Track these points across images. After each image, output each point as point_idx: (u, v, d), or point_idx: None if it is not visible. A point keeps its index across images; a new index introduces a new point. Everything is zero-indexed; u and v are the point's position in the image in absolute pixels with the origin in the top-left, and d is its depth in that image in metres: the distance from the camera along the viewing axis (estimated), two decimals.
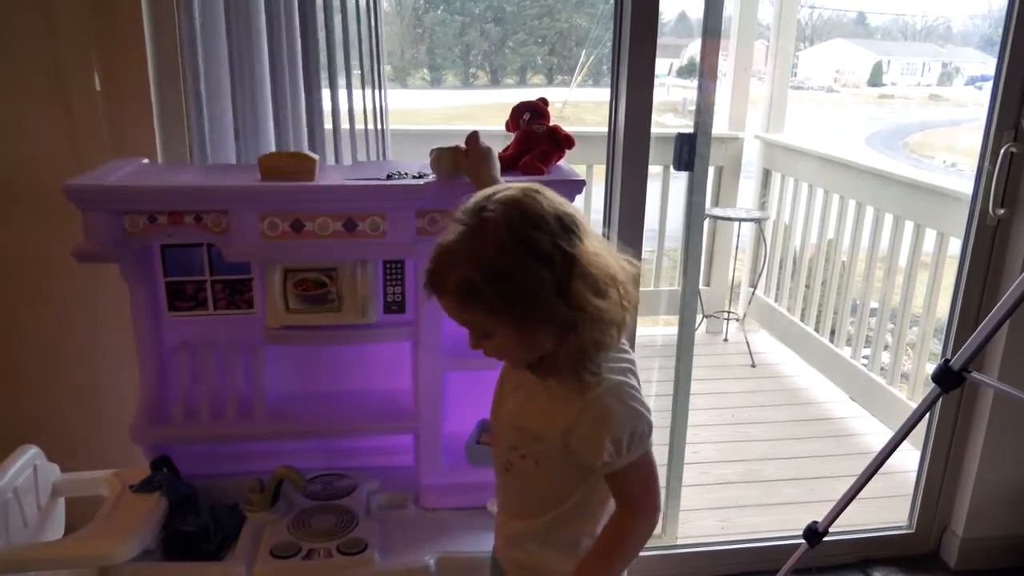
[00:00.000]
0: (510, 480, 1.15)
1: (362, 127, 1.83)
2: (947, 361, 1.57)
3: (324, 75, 1.76)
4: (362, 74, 1.79)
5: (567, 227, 0.97)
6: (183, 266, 1.56)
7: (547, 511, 1.11)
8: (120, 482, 1.53)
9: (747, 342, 3.67)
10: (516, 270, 0.94)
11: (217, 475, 1.60)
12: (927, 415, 1.66)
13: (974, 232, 2.00)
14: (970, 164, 2.05)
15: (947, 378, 1.56)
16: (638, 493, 1.07)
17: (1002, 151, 1.91)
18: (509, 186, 1.01)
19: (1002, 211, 1.95)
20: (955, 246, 2.41)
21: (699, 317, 3.69)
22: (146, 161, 1.60)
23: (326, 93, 1.77)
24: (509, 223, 0.95)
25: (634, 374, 1.07)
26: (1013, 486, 2.15)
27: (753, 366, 3.57)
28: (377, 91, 1.82)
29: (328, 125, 1.79)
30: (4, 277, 1.79)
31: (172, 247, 1.54)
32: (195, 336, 1.60)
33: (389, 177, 1.48)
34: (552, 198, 1.00)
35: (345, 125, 1.81)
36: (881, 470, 1.65)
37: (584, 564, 1.08)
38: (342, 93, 1.78)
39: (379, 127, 1.84)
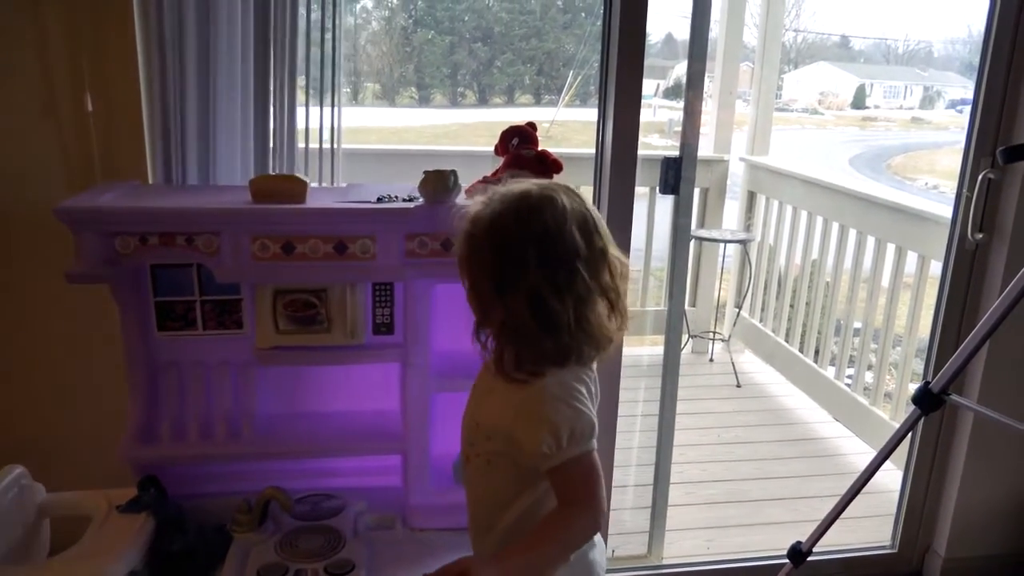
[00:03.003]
0: (467, 481, 1.20)
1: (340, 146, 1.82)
2: (927, 384, 1.60)
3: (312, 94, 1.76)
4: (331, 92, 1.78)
5: (556, 255, 1.05)
6: (173, 286, 1.57)
7: (496, 520, 1.15)
8: (106, 502, 1.52)
9: (732, 362, 3.70)
10: (486, 248, 1.07)
11: (204, 495, 1.60)
12: (908, 435, 1.68)
13: (953, 256, 2.04)
14: (951, 186, 2.08)
15: (927, 400, 1.59)
16: (579, 487, 1.08)
17: (980, 177, 1.95)
18: (553, 185, 1.11)
19: (980, 236, 1.99)
20: (936, 268, 2.45)
21: (685, 337, 3.72)
22: (137, 182, 1.61)
23: (314, 111, 1.76)
24: (509, 219, 1.06)
25: (586, 386, 1.10)
26: (994, 506, 2.17)
27: (738, 386, 3.59)
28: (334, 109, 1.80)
29: (304, 144, 1.78)
30: None
31: (162, 267, 1.55)
32: (184, 356, 1.61)
33: (379, 200, 1.50)
34: (572, 226, 1.08)
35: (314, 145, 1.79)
36: (864, 490, 1.67)
37: (512, 545, 1.09)
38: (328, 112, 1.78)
39: (333, 146, 1.82)
